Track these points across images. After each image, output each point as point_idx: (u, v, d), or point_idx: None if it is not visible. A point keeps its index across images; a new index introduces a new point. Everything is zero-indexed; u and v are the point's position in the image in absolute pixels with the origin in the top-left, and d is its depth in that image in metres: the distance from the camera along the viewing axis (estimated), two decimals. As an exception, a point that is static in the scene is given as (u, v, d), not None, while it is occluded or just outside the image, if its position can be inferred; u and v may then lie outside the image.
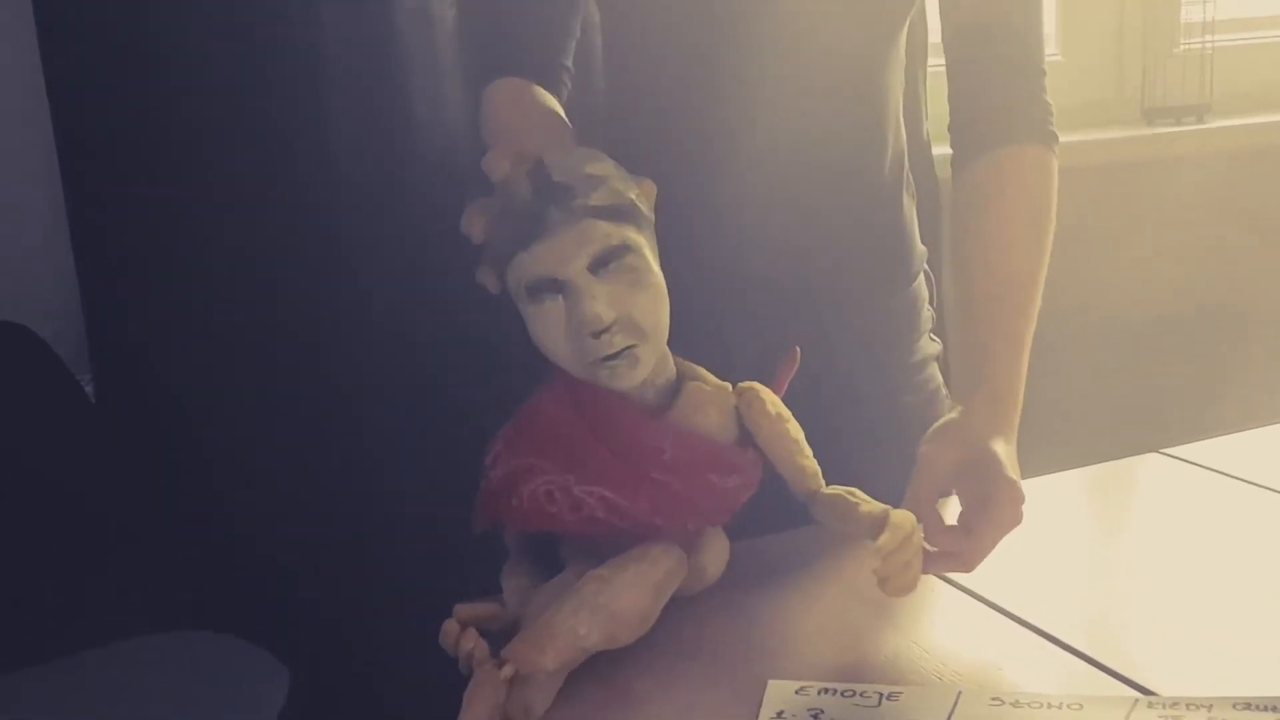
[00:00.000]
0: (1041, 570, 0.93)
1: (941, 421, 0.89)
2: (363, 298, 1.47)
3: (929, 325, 1.13)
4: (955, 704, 0.74)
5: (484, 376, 1.43)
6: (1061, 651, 0.82)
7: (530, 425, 0.84)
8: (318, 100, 1.43)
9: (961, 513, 0.87)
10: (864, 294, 1.06)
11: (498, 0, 1.06)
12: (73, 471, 1.44)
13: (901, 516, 0.81)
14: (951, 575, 0.91)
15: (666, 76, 1.01)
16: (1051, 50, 1.83)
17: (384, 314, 1.47)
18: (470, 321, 1.44)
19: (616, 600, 0.77)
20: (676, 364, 0.86)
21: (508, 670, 0.72)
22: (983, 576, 0.90)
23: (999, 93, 1.00)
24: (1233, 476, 1.09)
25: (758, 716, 0.74)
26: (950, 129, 1.03)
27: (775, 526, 0.95)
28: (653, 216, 0.82)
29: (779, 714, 0.73)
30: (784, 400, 0.86)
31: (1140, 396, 1.87)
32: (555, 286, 0.77)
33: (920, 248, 1.11)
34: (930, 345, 1.12)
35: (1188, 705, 0.72)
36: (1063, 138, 1.03)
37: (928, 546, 0.84)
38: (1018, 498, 0.83)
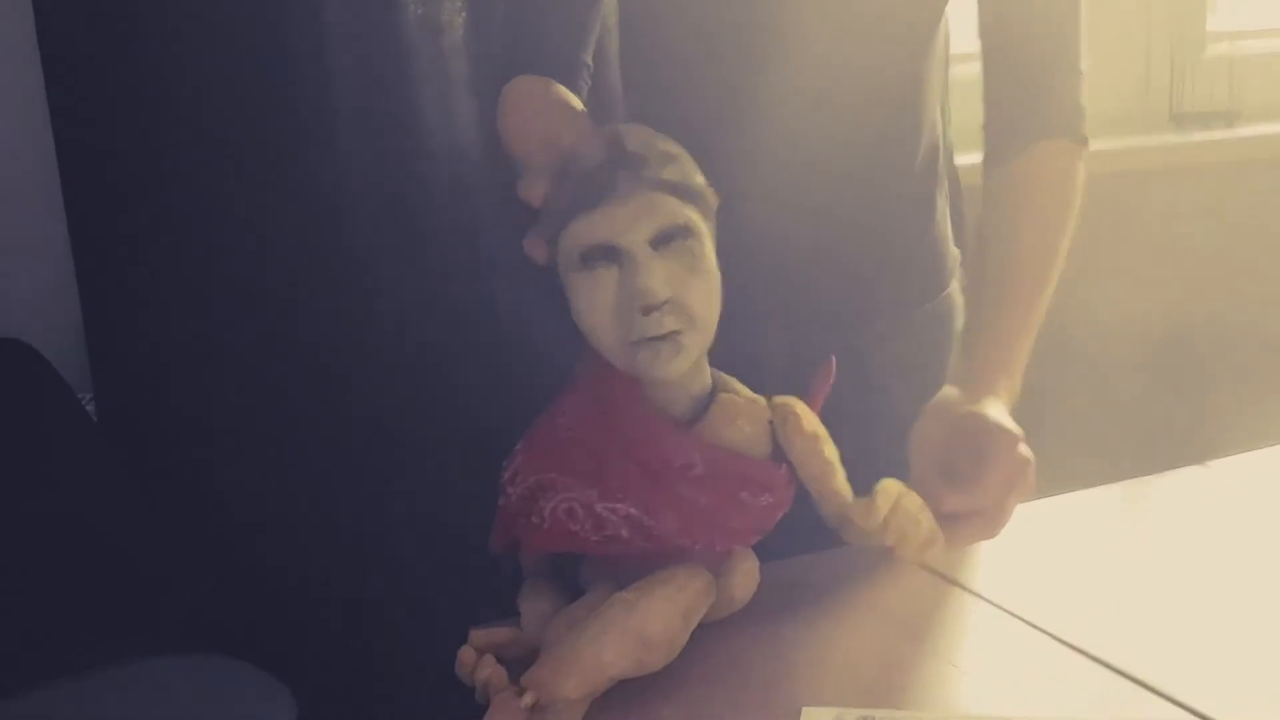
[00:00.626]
0: (1082, 587, 0.89)
1: (929, 404, 0.90)
2: (371, 312, 1.44)
3: None
4: (1002, 731, 0.70)
5: (497, 390, 1.40)
6: (1106, 672, 0.77)
7: (550, 437, 0.79)
8: (324, 111, 1.40)
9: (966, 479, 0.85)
10: (897, 300, 1.03)
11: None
12: (75, 491, 1.40)
13: (887, 482, 0.79)
14: (989, 594, 0.87)
15: (689, 80, 0.98)
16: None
17: (393, 330, 1.44)
18: (481, 330, 1.42)
19: (644, 625, 0.73)
20: (711, 375, 0.82)
21: (528, 698, 0.68)
22: (1021, 594, 0.86)
23: (1034, 91, 0.99)
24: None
25: (794, 746, 0.69)
26: (984, 126, 1.02)
27: (807, 547, 0.91)
28: (714, 220, 0.79)
29: (817, 744, 0.69)
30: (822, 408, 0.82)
31: (1178, 407, 1.83)
32: (612, 255, 0.74)
33: (954, 252, 1.08)
34: None
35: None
36: (1089, 145, 1.02)
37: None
38: (1011, 441, 0.83)
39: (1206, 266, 1.85)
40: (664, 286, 0.73)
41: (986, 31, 1.01)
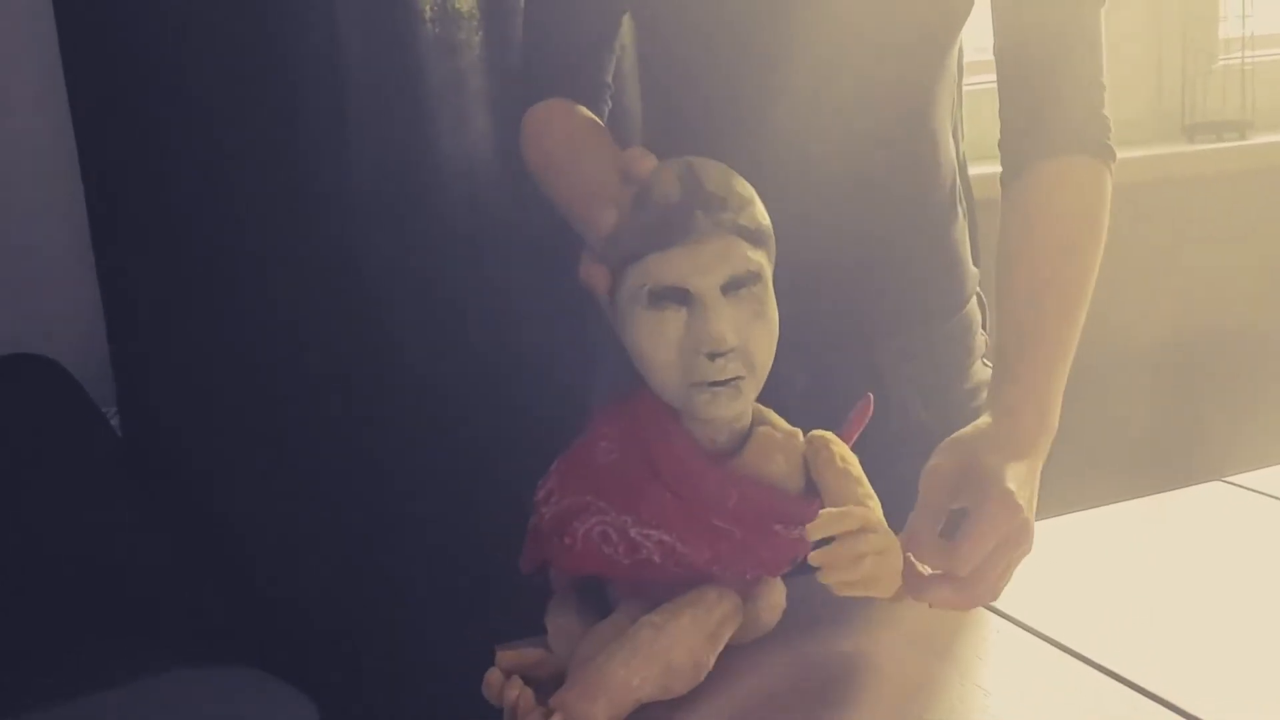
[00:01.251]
0: (1107, 605, 0.90)
1: (954, 435, 0.85)
2: (386, 327, 1.45)
3: (982, 350, 1.09)
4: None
5: (509, 401, 1.41)
6: (1132, 692, 0.78)
7: (588, 460, 0.80)
8: (340, 130, 1.41)
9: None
10: (914, 320, 1.02)
11: (538, 21, 1.03)
12: (96, 505, 1.41)
13: (858, 511, 0.75)
14: (1014, 613, 0.87)
15: (705, 95, 0.98)
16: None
17: (409, 346, 1.45)
18: (491, 345, 1.42)
19: (672, 649, 0.73)
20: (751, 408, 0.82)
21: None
22: (1045, 613, 0.87)
23: (1053, 103, 0.97)
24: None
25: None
26: (1000, 142, 1.00)
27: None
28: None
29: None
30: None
31: (1194, 421, 1.83)
32: (682, 297, 0.74)
33: (973, 270, 1.07)
34: (984, 371, 1.08)
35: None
36: (1116, 158, 0.99)
37: (923, 569, 0.79)
38: (1010, 506, 0.78)
39: (1220, 276, 1.85)
40: (733, 333, 0.74)
41: (1001, 41, 0.99)
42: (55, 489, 1.39)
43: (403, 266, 1.45)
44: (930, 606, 0.81)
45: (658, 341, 0.75)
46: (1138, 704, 0.76)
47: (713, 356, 0.73)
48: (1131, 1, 1.85)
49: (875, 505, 0.79)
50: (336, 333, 1.46)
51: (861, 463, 0.82)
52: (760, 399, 0.84)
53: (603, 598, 0.82)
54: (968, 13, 1.00)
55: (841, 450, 0.80)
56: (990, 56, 1.02)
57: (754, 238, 0.75)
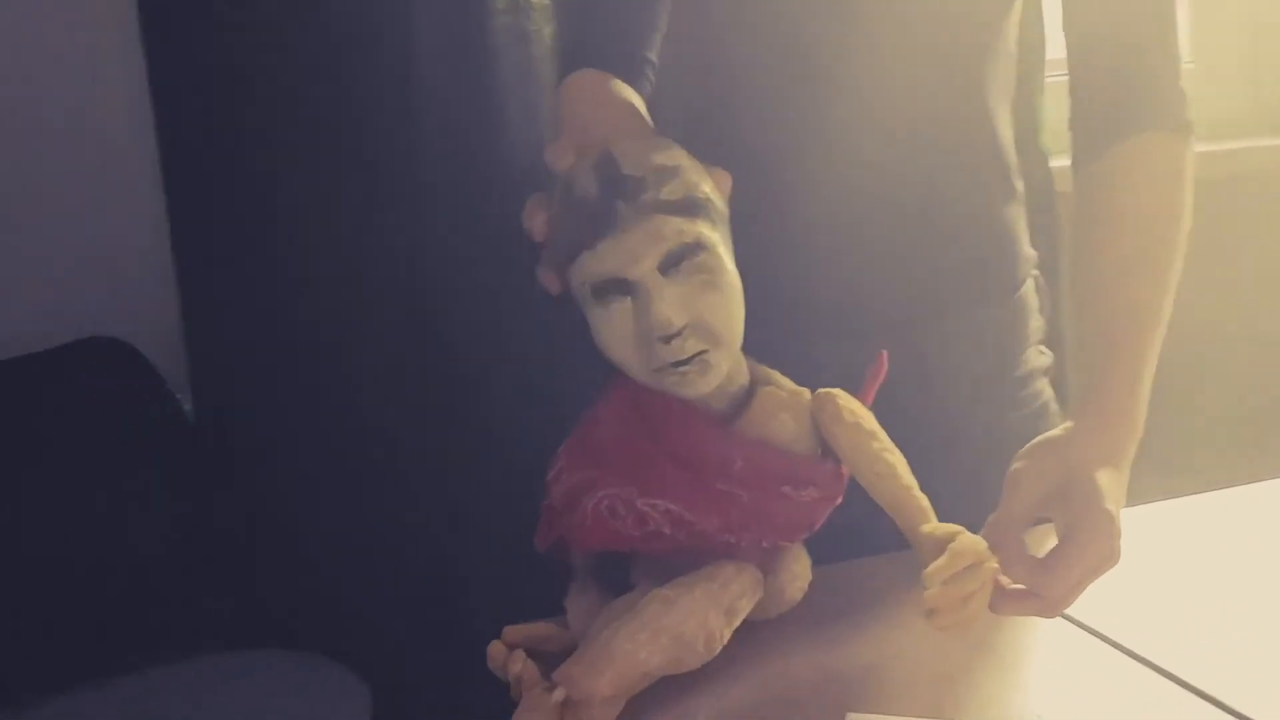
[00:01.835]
0: (1166, 604, 0.85)
1: (1043, 437, 0.81)
2: (453, 321, 1.46)
3: (1038, 336, 1.04)
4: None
5: (572, 397, 1.40)
6: (1192, 697, 0.74)
7: (590, 436, 0.79)
8: (412, 119, 1.42)
9: (1053, 547, 0.77)
10: (963, 302, 0.98)
11: None
12: (164, 487, 1.44)
13: (969, 541, 0.72)
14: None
15: (751, 75, 0.96)
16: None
17: (480, 334, 1.45)
18: (555, 335, 1.42)
19: (682, 623, 0.71)
20: (750, 369, 0.80)
21: (559, 694, 0.67)
22: (1099, 609, 0.82)
23: (1126, 79, 0.92)
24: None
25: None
26: (1072, 122, 0.95)
27: (865, 550, 0.88)
28: (727, 210, 0.76)
29: (856, 749, 0.67)
30: (880, 419, 0.79)
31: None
32: (623, 288, 0.72)
33: (1028, 252, 1.02)
34: (1039, 357, 1.04)
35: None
36: (1196, 149, 0.93)
37: (1004, 581, 0.75)
38: (1109, 532, 0.74)
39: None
40: (679, 313, 0.71)
41: (1070, 17, 0.95)
42: (123, 471, 1.42)
43: (469, 257, 1.46)
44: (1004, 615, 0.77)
45: (614, 336, 0.73)
46: (1204, 714, 0.72)
47: (666, 339, 0.71)
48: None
49: (897, 459, 0.76)
50: (403, 324, 1.48)
51: (906, 455, 0.78)
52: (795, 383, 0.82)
53: (625, 579, 0.80)
54: None
55: (849, 403, 0.77)
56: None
57: (686, 209, 0.72)
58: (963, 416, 0.98)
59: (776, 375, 0.80)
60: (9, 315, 1.46)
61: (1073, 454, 0.78)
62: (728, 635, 0.74)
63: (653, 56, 0.98)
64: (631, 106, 0.90)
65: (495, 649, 0.71)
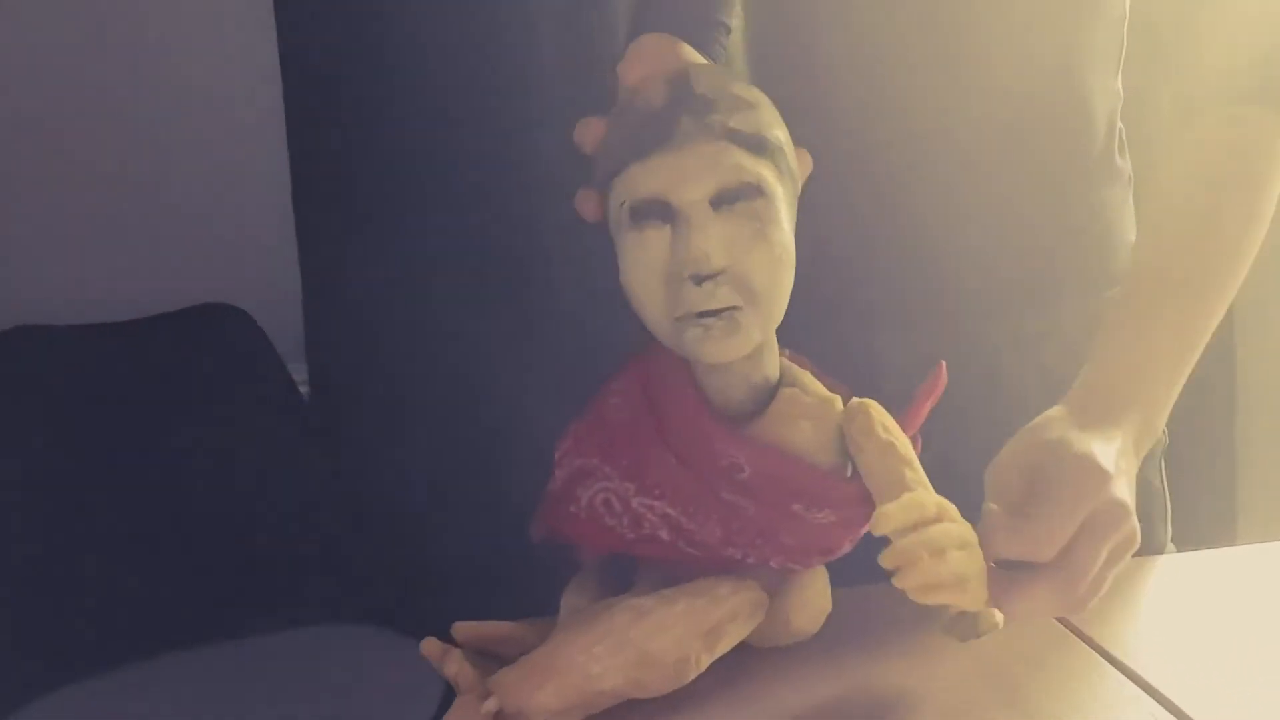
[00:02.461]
0: (1234, 666, 0.71)
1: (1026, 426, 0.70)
2: (559, 306, 1.42)
3: None
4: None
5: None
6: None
7: (598, 418, 0.70)
8: (530, 98, 1.39)
9: None
10: (1043, 294, 0.86)
11: None
12: (267, 459, 1.44)
13: (926, 495, 0.62)
14: (1117, 652, 0.71)
15: (826, 63, 0.87)
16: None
17: (579, 324, 1.41)
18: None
19: (650, 639, 0.63)
20: (783, 367, 0.70)
21: (490, 704, 0.60)
22: (1154, 662, 0.70)
23: (1212, 46, 0.80)
24: None
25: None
26: (1169, 94, 0.84)
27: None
28: (799, 184, 0.68)
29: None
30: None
31: None
32: (665, 213, 0.63)
33: (1131, 241, 0.89)
34: None
35: None
36: None
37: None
38: (1097, 479, 0.64)
39: None
40: (721, 253, 0.62)
41: None
42: (227, 441, 1.43)
43: (587, 234, 1.42)
44: (1018, 619, 0.65)
45: (640, 267, 0.64)
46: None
47: (698, 280, 0.62)
48: None
49: (929, 495, 0.65)
50: (523, 305, 1.44)
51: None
52: (850, 376, 0.73)
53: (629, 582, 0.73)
54: None
55: (884, 419, 0.67)
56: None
57: (753, 145, 0.64)
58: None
59: (808, 378, 0.70)
60: (137, 278, 1.50)
61: (1052, 430, 0.68)
62: (706, 661, 0.65)
63: (728, 20, 0.90)
64: None
65: (429, 646, 0.64)
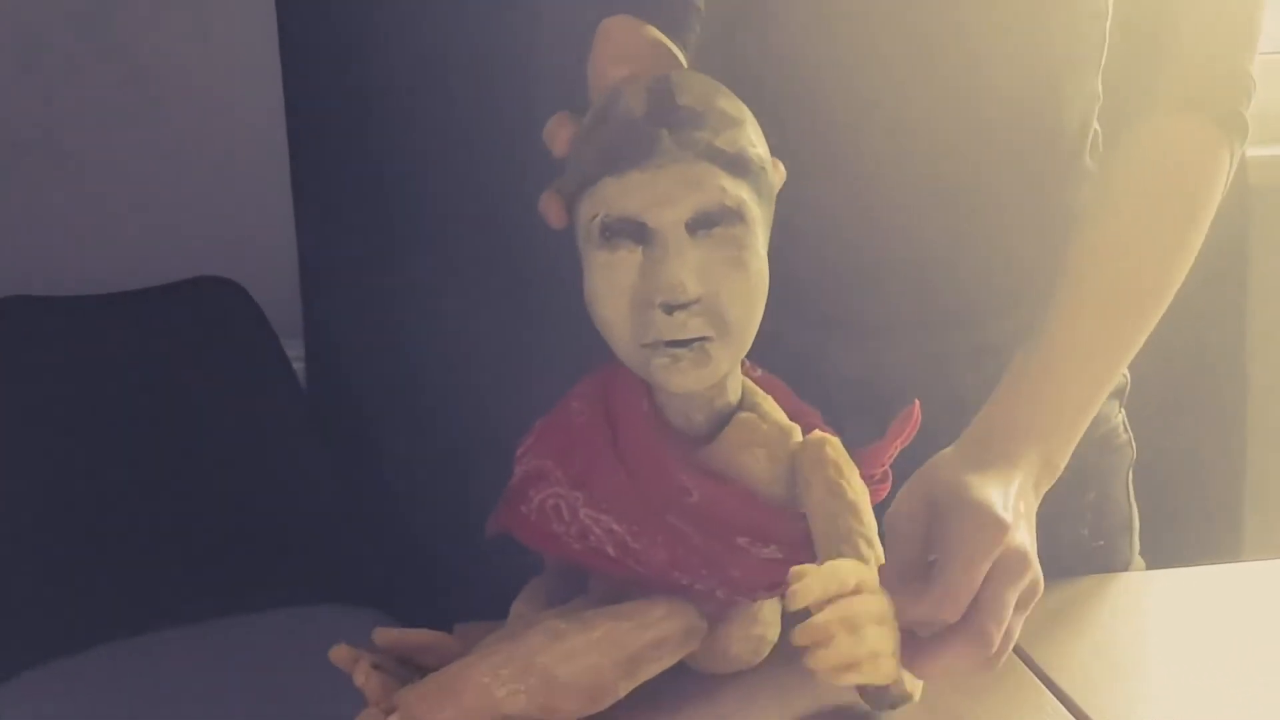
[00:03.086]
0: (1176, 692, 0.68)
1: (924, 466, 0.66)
2: (558, 299, 1.39)
3: None
4: None
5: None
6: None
7: (561, 419, 0.68)
8: (528, 85, 1.37)
9: None
10: (1003, 305, 0.81)
11: None
12: (256, 435, 1.42)
13: (839, 564, 0.58)
14: (1071, 692, 0.68)
15: (804, 53, 0.82)
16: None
17: (577, 320, 1.39)
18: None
19: (560, 665, 0.59)
20: (745, 387, 0.67)
21: (392, 721, 0.57)
22: (1110, 696, 0.67)
23: (1165, 48, 0.75)
24: None
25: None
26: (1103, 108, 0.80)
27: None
28: (774, 200, 0.65)
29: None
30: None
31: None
32: (639, 234, 0.60)
33: None
34: None
35: None
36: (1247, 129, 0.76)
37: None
38: (987, 523, 0.60)
39: None
40: (695, 282, 0.60)
41: None
42: (216, 417, 1.41)
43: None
44: (932, 680, 0.62)
45: (608, 290, 0.61)
46: None
47: (669, 309, 0.59)
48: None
49: (875, 551, 0.62)
50: (509, 300, 1.44)
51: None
52: (798, 382, 0.70)
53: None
54: None
55: (839, 457, 0.63)
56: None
57: (735, 166, 0.61)
58: None
59: (770, 403, 0.67)
60: (133, 248, 1.48)
61: (941, 471, 0.64)
62: (625, 688, 0.61)
63: (699, 2, 0.86)
64: (668, 56, 0.77)
65: (339, 653, 0.60)
